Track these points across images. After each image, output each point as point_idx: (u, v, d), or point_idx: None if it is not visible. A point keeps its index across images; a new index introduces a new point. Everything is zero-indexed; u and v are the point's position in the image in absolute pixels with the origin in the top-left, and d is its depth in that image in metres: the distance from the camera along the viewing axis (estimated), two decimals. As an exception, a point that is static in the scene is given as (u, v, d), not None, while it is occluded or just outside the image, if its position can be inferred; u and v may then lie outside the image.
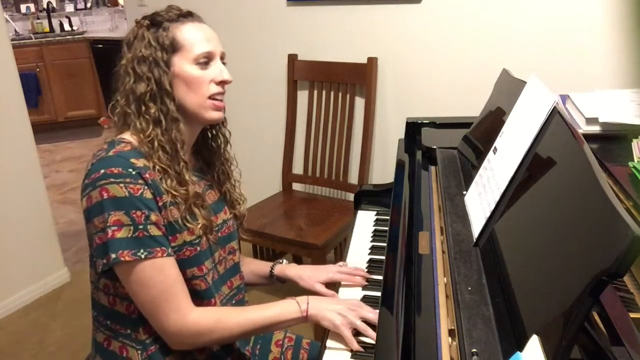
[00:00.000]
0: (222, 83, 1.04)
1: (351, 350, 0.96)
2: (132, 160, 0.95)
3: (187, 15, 1.04)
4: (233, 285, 1.15)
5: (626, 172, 0.98)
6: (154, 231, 0.94)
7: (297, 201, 2.32)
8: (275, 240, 2.01)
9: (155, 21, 1.02)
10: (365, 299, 1.10)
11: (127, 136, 1.01)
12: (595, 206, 0.67)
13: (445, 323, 0.80)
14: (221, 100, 1.05)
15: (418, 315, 0.84)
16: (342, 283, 1.18)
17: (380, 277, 1.09)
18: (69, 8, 5.59)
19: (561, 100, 1.34)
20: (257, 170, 2.62)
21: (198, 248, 1.02)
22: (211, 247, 1.06)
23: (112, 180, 0.92)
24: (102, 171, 0.92)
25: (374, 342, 0.94)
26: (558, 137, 0.86)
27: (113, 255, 0.91)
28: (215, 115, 1.04)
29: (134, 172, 0.93)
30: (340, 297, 1.14)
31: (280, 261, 1.28)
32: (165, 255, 0.95)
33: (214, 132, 1.16)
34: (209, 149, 1.16)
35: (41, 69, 4.98)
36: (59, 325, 2.30)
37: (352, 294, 1.14)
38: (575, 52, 1.82)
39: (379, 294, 1.06)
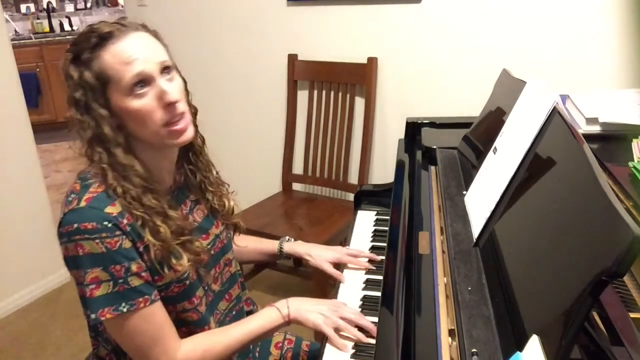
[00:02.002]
0: (170, 106, 0.89)
1: (354, 347, 0.96)
2: (107, 210, 0.86)
3: (108, 37, 0.87)
4: (232, 297, 1.13)
5: (626, 172, 0.98)
6: (135, 282, 0.88)
7: (297, 201, 2.32)
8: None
9: (76, 54, 0.88)
10: (365, 299, 1.11)
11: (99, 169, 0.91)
12: (595, 206, 0.67)
13: (445, 323, 0.80)
14: (179, 122, 0.91)
15: (418, 315, 0.84)
16: (349, 266, 1.21)
17: (380, 277, 1.09)
18: (69, 8, 5.59)
19: (561, 100, 1.34)
20: (257, 170, 2.62)
21: (187, 282, 0.97)
22: (200, 276, 1.01)
23: (86, 236, 0.84)
24: (76, 225, 0.85)
25: (373, 341, 0.94)
26: (558, 137, 0.86)
27: (93, 316, 0.87)
28: (179, 140, 0.92)
29: (110, 225, 0.85)
30: (345, 278, 1.18)
31: (287, 238, 1.29)
32: (148, 304, 0.90)
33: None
34: (187, 158, 1.06)
35: (41, 69, 4.98)
36: (59, 325, 2.30)
37: (356, 278, 1.15)
38: (575, 52, 1.82)
39: (379, 294, 1.06)
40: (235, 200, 1.16)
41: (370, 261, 1.23)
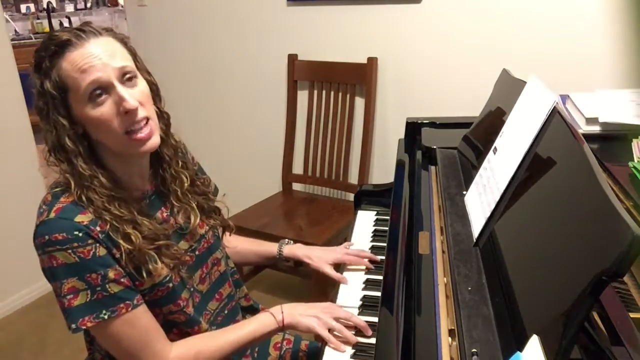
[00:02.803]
0: (129, 114, 0.86)
1: (354, 347, 0.97)
2: (77, 219, 0.85)
3: (66, 44, 0.85)
4: (222, 296, 1.13)
5: (626, 172, 0.98)
6: (114, 288, 0.87)
7: (297, 201, 2.32)
8: (275, 240, 2.00)
9: (37, 62, 0.87)
10: (365, 299, 1.11)
11: (64, 178, 0.90)
12: (595, 206, 0.67)
13: (445, 323, 0.80)
14: (141, 129, 0.88)
15: (418, 315, 0.84)
16: (348, 267, 1.20)
17: (380, 277, 1.09)
18: (69, 8, 5.60)
19: (561, 100, 1.34)
20: (257, 170, 2.62)
21: (170, 285, 0.96)
22: (184, 279, 1.00)
23: (58, 247, 0.83)
24: (47, 237, 0.84)
25: (373, 341, 0.94)
26: (558, 137, 0.86)
27: (73, 325, 0.86)
28: (142, 148, 0.90)
29: (81, 234, 0.84)
30: (346, 278, 1.18)
31: (287, 241, 1.29)
32: (130, 308, 0.89)
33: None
34: (162, 167, 1.02)
35: (41, 69, 4.98)
36: (59, 325, 2.29)
37: (356, 278, 1.15)
38: (575, 52, 1.82)
39: (379, 294, 1.06)
40: (225, 201, 1.14)
41: (371, 261, 1.23)
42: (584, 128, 1.21)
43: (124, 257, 0.88)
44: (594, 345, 0.68)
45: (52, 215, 0.85)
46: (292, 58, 2.32)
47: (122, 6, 5.21)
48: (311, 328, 1.00)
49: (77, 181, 0.88)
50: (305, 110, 2.35)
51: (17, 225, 2.38)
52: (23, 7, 5.40)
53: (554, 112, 0.87)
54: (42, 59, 0.86)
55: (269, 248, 1.28)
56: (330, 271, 1.20)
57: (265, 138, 2.55)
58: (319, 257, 1.23)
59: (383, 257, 1.14)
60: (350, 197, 2.26)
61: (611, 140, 1.15)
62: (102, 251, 0.86)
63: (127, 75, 0.88)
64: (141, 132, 0.88)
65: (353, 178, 2.30)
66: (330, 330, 0.99)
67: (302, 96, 2.36)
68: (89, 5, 5.64)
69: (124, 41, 0.92)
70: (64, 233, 0.84)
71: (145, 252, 0.90)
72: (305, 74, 2.32)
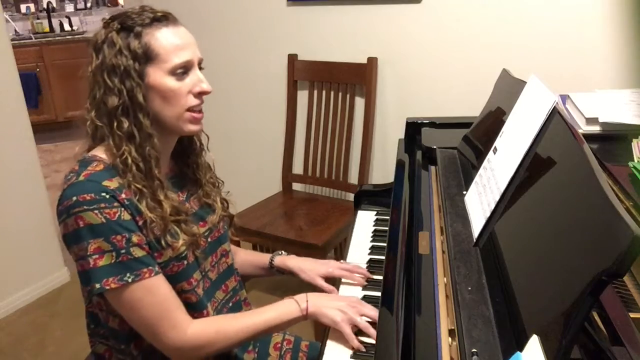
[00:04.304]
0: (200, 94, 0.97)
1: (352, 349, 0.96)
2: (105, 183, 0.90)
3: (162, 19, 0.94)
4: (228, 288, 1.14)
5: (626, 172, 0.98)
6: (138, 252, 0.90)
7: (297, 201, 2.32)
8: (275, 240, 2.01)
9: (126, 25, 0.92)
10: (365, 299, 1.10)
11: (100, 152, 0.95)
12: (595, 206, 0.67)
13: (445, 323, 0.80)
14: (200, 111, 0.99)
15: (418, 315, 0.84)
16: (343, 281, 1.18)
17: (380, 277, 1.09)
18: (69, 8, 5.58)
19: (561, 100, 1.34)
20: (257, 170, 2.62)
21: (185, 262, 0.98)
22: (198, 259, 1.03)
23: (85, 207, 0.87)
24: (75, 198, 0.87)
25: (373, 341, 0.94)
26: (558, 137, 0.86)
27: (97, 285, 0.88)
28: (193, 127, 0.99)
29: (107, 196, 0.88)
30: (336, 290, 1.14)
31: (280, 252, 1.27)
32: (153, 274, 0.92)
33: (187, 137, 1.08)
34: (187, 155, 1.09)
35: (41, 69, 4.98)
36: (59, 325, 2.30)
37: (353, 293, 1.14)
38: (575, 52, 1.82)
39: (379, 294, 1.06)
40: (230, 199, 1.18)
41: (367, 276, 1.18)
42: (584, 128, 1.21)
43: (147, 225, 0.92)
44: (594, 345, 0.68)
45: (81, 178, 0.90)
46: (292, 58, 2.32)
47: (122, 6, 5.21)
48: (335, 321, 0.97)
49: (137, 139, 0.93)
50: (305, 110, 2.35)
51: (17, 226, 2.38)
52: (23, 7, 5.39)
53: (554, 112, 0.87)
54: (135, 23, 0.92)
55: (262, 259, 1.26)
56: (321, 283, 1.17)
57: (265, 138, 2.55)
58: (311, 269, 1.19)
59: (382, 258, 1.13)
60: (350, 197, 2.26)
61: (611, 140, 1.15)
62: (126, 216, 0.90)
63: (201, 65, 1.00)
64: (199, 113, 0.99)
65: (353, 178, 2.30)
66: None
67: (302, 96, 2.36)
68: (89, 5, 5.63)
69: None
70: (92, 194, 0.88)
71: (168, 222, 0.95)
72: (305, 74, 2.32)
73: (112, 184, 0.90)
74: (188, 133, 1.00)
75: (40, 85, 4.99)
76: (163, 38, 0.93)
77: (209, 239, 1.08)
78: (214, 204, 1.11)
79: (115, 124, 0.93)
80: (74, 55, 5.09)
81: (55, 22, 5.39)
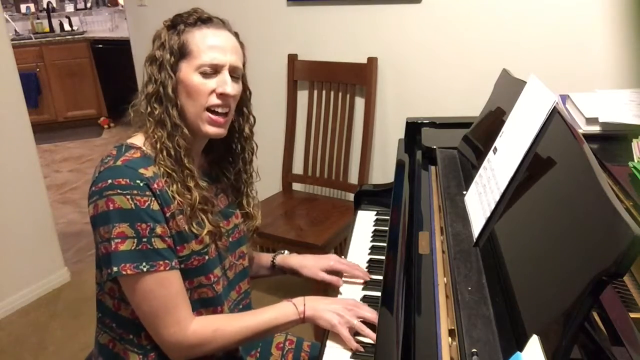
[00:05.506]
0: (222, 96, 0.99)
1: (351, 350, 0.96)
2: (141, 170, 0.94)
3: (207, 21, 1.00)
4: (241, 290, 1.15)
5: (626, 172, 0.98)
6: (158, 244, 0.93)
7: (297, 201, 2.32)
8: (275, 240, 2.01)
9: (174, 23, 1.01)
10: (365, 299, 1.10)
11: (138, 140, 1.00)
12: (595, 206, 0.67)
13: (445, 323, 0.80)
14: (220, 115, 1.00)
15: (418, 315, 0.84)
16: (343, 279, 1.18)
17: (380, 277, 1.09)
18: (69, 8, 5.59)
19: (561, 100, 1.34)
20: (256, 170, 2.62)
21: (206, 257, 1.01)
22: (221, 255, 1.06)
23: (118, 191, 0.91)
24: (110, 181, 0.91)
25: (373, 342, 0.94)
26: (558, 137, 0.86)
27: (115, 268, 0.91)
28: (210, 129, 1.00)
29: (141, 184, 0.92)
30: (341, 292, 1.14)
31: (282, 251, 1.29)
32: (168, 268, 0.94)
33: (241, 144, 1.13)
34: (230, 161, 1.14)
35: (41, 69, 4.98)
36: (59, 325, 2.30)
37: (352, 292, 1.14)
38: (575, 52, 1.82)
39: (379, 294, 1.05)
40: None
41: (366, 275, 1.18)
42: (584, 128, 1.21)
43: (175, 217, 0.96)
44: (594, 345, 0.68)
45: (119, 163, 0.94)
46: (292, 58, 2.32)
47: (122, 6, 5.21)
48: (332, 324, 0.97)
49: (168, 127, 0.97)
50: (305, 110, 2.35)
51: (17, 226, 2.38)
52: (23, 7, 5.39)
53: (554, 112, 0.87)
54: (180, 22, 1.00)
55: (265, 258, 1.28)
56: (324, 276, 1.18)
57: (265, 138, 2.54)
58: (313, 265, 1.20)
59: (382, 258, 1.13)
60: (350, 197, 2.26)
61: (611, 140, 1.15)
62: (155, 206, 0.93)
63: (235, 74, 1.02)
64: (219, 116, 1.00)
65: (353, 178, 2.30)
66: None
67: (302, 96, 2.36)
68: (89, 5, 5.63)
69: (243, 48, 1.06)
70: (128, 179, 0.91)
71: (195, 210, 0.98)
72: (305, 74, 2.32)
73: (148, 172, 0.94)
74: (206, 135, 1.02)
75: (40, 85, 5.00)
76: (200, 37, 0.98)
77: (230, 239, 1.10)
78: (255, 214, 1.17)
79: (149, 110, 0.99)
80: (74, 55, 5.10)
81: (55, 22, 5.39)
